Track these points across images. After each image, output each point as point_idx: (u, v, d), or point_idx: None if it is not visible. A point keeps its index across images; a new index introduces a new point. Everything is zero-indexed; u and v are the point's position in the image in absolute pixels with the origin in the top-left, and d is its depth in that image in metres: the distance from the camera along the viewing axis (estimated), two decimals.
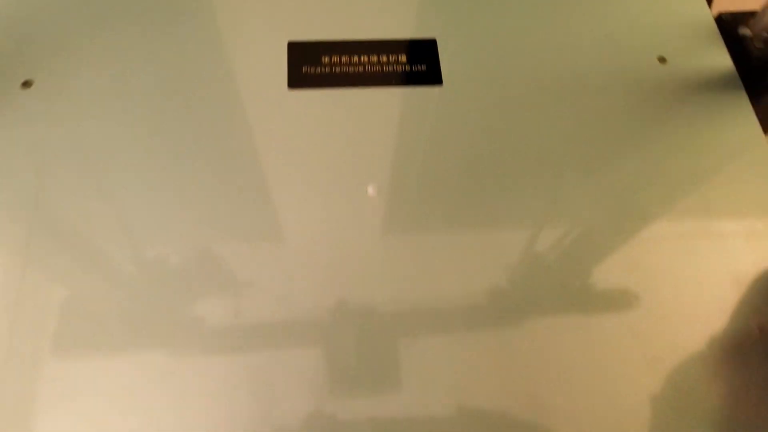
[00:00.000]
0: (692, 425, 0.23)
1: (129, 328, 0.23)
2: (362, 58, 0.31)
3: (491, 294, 0.25)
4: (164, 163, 0.27)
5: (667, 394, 0.23)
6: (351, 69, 0.30)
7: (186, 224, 0.25)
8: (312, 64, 0.30)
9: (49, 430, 0.21)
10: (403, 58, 0.31)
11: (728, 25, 0.34)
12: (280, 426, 0.22)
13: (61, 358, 0.22)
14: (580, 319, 0.24)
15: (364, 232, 0.25)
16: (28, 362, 0.22)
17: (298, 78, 0.29)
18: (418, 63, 0.31)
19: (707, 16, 0.34)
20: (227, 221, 0.25)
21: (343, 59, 0.30)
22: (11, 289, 0.23)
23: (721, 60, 0.32)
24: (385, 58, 0.31)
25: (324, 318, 0.23)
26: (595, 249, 0.26)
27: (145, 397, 0.22)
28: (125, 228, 0.25)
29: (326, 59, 0.30)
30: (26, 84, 0.28)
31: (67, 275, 0.24)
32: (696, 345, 0.24)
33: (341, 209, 0.26)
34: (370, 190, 0.26)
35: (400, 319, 0.24)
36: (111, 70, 0.29)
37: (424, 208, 0.26)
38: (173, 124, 0.28)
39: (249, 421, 0.22)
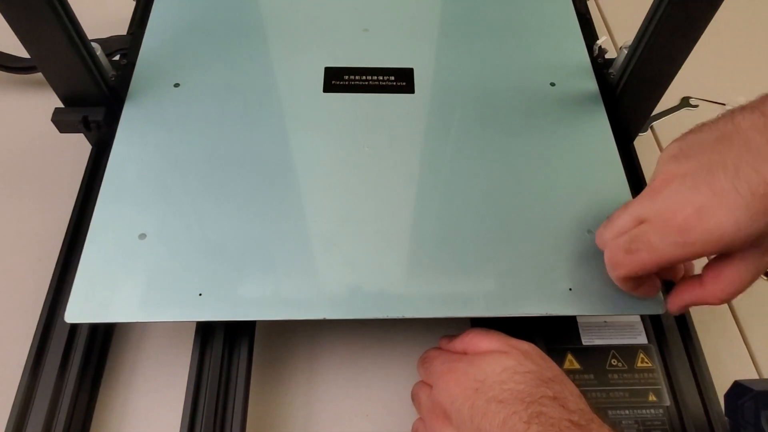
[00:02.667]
0: None
1: None
2: (368, 77, 0.52)
3: None
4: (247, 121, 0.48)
5: None
6: (361, 83, 0.51)
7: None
8: (338, 80, 0.51)
9: None
10: (392, 77, 0.52)
11: (597, 64, 0.54)
12: None
13: None
14: None
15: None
16: None
17: (329, 86, 0.51)
18: (401, 81, 0.52)
19: (585, 56, 0.54)
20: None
21: (357, 77, 0.51)
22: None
23: (591, 85, 0.53)
24: (381, 77, 0.52)
25: None
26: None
27: None
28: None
29: (346, 77, 0.51)
30: (176, 85, 0.50)
31: None
32: None
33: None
34: None
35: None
36: (222, 78, 0.51)
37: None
38: (254, 108, 0.49)
39: None
